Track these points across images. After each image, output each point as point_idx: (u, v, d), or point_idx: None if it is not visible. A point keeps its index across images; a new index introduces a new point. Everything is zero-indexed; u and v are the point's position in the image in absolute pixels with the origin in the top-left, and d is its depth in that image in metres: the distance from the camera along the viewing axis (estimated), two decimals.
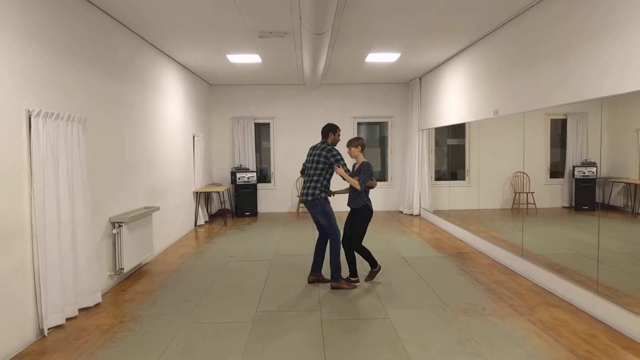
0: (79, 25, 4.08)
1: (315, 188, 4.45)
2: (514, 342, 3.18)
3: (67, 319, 3.67)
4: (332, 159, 4.43)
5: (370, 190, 4.51)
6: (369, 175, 4.39)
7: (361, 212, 4.44)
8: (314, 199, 4.46)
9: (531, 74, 4.58)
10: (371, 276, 4.65)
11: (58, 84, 3.72)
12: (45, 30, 3.56)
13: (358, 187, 4.35)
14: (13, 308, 3.14)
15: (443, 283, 4.57)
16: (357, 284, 4.55)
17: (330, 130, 4.59)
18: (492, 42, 5.56)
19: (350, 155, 4.56)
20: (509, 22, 5.08)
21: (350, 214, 4.59)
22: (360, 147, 4.48)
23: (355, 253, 4.58)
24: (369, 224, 4.51)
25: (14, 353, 3.12)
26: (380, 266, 4.68)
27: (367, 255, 4.54)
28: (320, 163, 4.47)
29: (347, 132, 9.35)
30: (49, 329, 3.45)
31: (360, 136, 4.65)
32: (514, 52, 4.98)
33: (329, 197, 4.61)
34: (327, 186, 4.52)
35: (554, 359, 2.94)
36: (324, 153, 4.47)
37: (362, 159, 4.50)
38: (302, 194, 4.56)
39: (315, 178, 4.48)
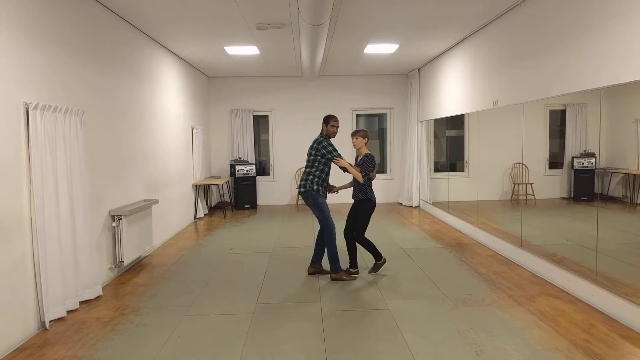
0: (76, 18, 4.04)
1: (307, 180, 4.48)
2: (513, 332, 3.20)
3: (68, 312, 3.69)
4: (322, 151, 4.42)
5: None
6: (371, 167, 4.39)
7: (364, 204, 4.44)
8: (306, 191, 4.49)
9: (530, 65, 4.56)
10: (375, 269, 4.65)
11: (55, 76, 3.69)
12: (43, 23, 3.53)
13: (361, 179, 4.35)
14: (14, 301, 3.14)
15: (442, 274, 4.59)
16: (356, 275, 4.56)
17: (323, 122, 4.58)
18: (491, 32, 5.53)
19: (354, 146, 4.54)
20: (507, 13, 5.04)
21: (353, 205, 4.60)
22: (365, 138, 4.47)
23: (357, 245, 4.58)
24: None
25: (16, 345, 3.13)
26: (385, 259, 4.68)
27: (371, 248, 4.55)
28: (311, 155, 4.49)
29: (346, 124, 9.35)
30: (50, 321, 3.46)
31: (365, 128, 4.62)
32: (513, 43, 4.95)
33: (330, 192, 4.61)
34: (322, 178, 4.48)
35: (553, 348, 2.96)
36: (314, 145, 4.48)
37: (365, 150, 4.48)
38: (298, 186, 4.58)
39: (307, 170, 4.51)
